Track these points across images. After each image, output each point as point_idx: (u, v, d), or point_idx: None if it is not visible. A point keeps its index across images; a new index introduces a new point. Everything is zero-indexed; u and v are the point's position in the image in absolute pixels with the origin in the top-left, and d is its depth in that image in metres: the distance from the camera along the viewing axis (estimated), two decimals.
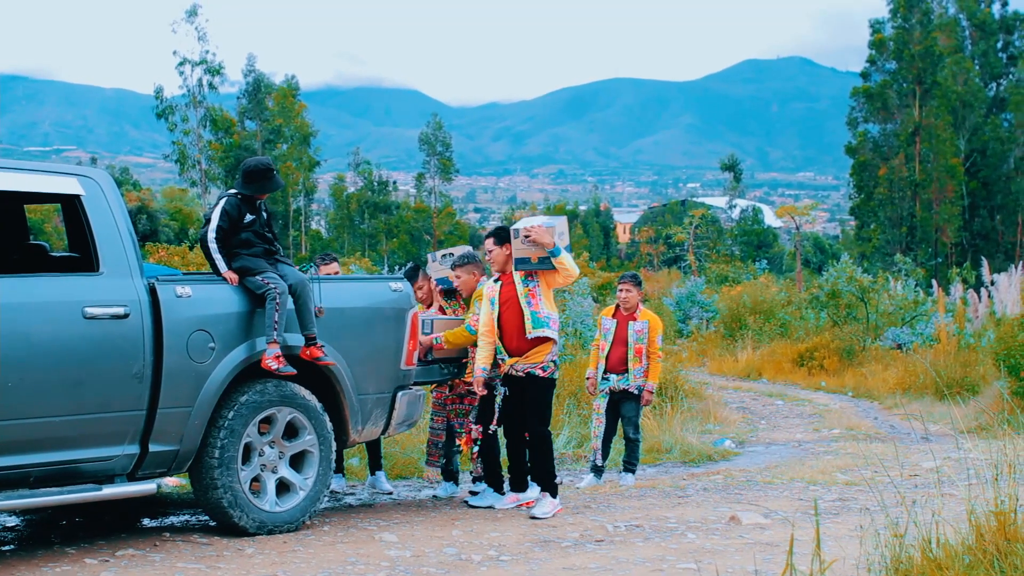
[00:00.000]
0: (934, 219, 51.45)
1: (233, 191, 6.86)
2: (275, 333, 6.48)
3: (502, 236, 7.74)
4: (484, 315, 7.62)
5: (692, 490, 8.71)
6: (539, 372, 7.45)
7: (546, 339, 7.44)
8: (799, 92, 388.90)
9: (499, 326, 7.52)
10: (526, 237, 7.33)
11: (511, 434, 7.77)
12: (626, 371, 9.31)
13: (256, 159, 7.04)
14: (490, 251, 7.81)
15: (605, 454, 9.51)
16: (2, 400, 5.52)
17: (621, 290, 9.43)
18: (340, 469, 8.66)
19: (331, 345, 6.83)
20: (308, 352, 6.67)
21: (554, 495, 7.49)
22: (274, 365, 6.45)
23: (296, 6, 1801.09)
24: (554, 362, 7.51)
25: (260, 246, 6.77)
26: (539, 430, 7.49)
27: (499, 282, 7.63)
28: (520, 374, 7.47)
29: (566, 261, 7.37)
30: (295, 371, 6.56)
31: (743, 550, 6.35)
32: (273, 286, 6.54)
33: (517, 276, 7.49)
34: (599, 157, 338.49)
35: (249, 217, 6.76)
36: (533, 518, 7.27)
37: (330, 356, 6.80)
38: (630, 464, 9.52)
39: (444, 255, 8.45)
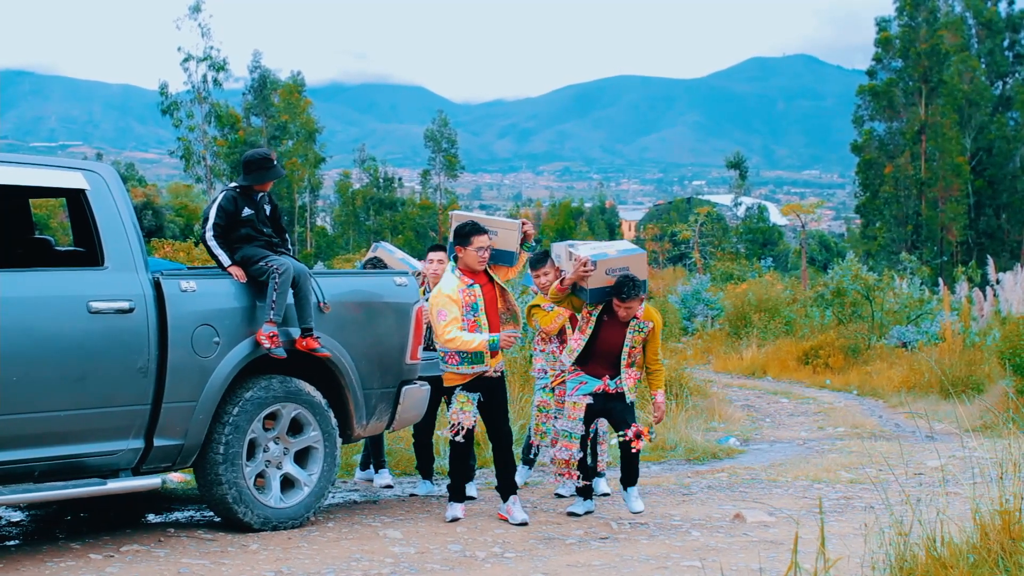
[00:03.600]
0: (940, 217, 51.31)
1: (233, 184, 6.89)
2: (272, 312, 6.46)
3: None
4: (452, 316, 6.97)
5: (696, 488, 8.70)
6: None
7: None
8: (805, 90, 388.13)
9: (485, 329, 7.09)
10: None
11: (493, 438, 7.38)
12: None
13: (254, 150, 7.08)
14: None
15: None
16: (7, 394, 5.53)
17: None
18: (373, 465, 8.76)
19: (335, 339, 6.83)
20: (304, 343, 6.59)
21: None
22: (266, 343, 6.43)
23: (302, 3, 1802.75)
24: None
25: (261, 239, 6.76)
26: (508, 429, 7.28)
27: (475, 285, 7.10)
28: (497, 374, 7.20)
29: None
30: (285, 355, 6.51)
31: (747, 548, 6.34)
32: (274, 266, 6.52)
33: (497, 277, 7.25)
34: (605, 154, 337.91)
35: (247, 211, 6.74)
36: (523, 524, 7.01)
37: (334, 351, 6.79)
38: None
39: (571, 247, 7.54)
